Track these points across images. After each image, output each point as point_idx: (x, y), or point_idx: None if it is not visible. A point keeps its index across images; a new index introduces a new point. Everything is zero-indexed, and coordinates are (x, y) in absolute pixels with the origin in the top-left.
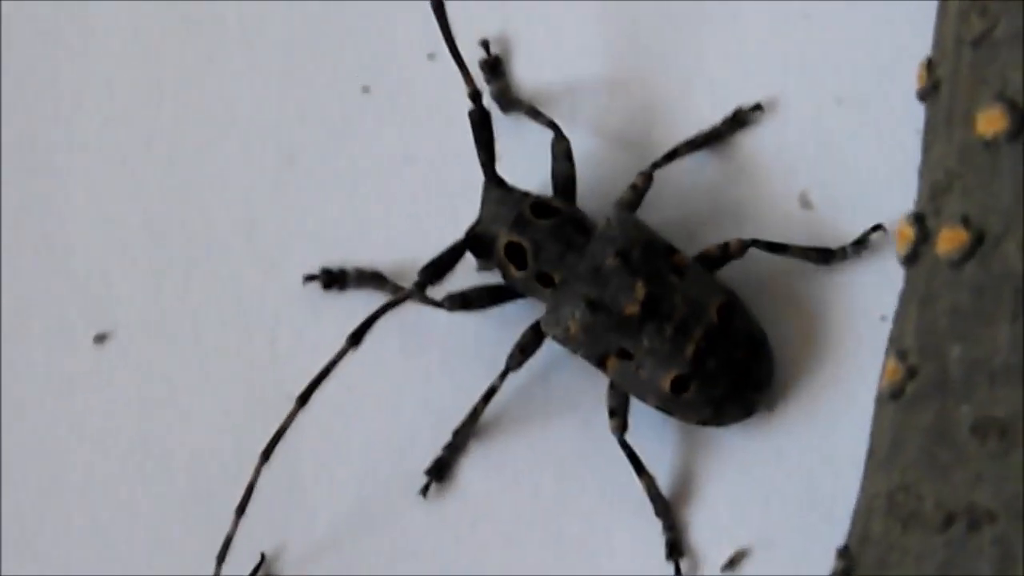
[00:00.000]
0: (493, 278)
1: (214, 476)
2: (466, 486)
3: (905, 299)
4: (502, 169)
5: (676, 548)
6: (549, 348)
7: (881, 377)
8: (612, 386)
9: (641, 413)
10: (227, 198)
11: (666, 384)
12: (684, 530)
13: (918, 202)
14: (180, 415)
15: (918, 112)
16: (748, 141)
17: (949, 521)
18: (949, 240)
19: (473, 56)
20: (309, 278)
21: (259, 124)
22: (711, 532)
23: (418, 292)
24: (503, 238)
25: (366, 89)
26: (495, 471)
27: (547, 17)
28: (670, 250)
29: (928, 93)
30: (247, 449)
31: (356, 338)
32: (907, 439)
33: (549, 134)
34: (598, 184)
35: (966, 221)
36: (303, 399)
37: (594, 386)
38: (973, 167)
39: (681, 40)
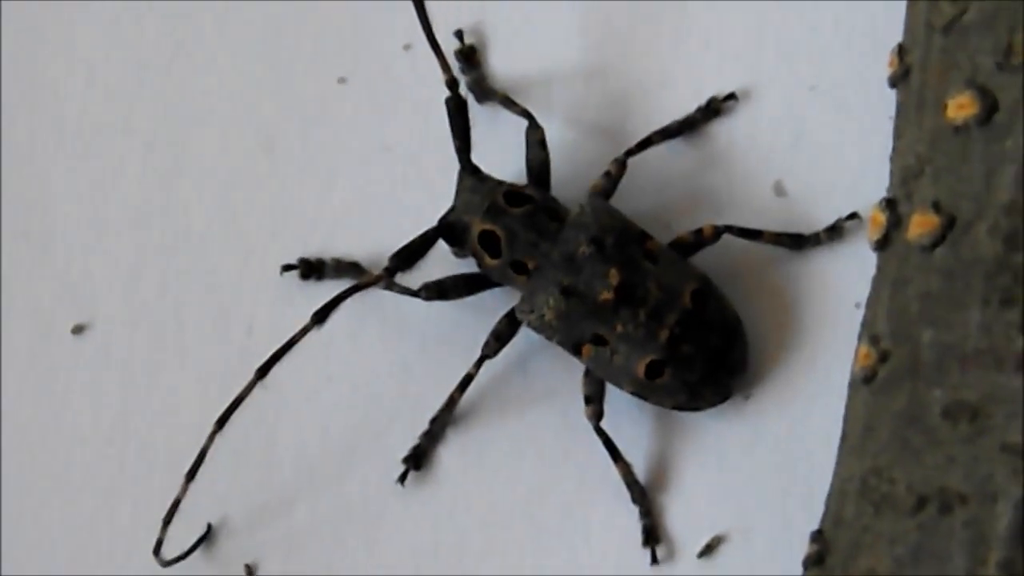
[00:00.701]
0: (469, 267)
1: (192, 461)
2: (444, 474)
3: (877, 284)
4: (477, 158)
5: (653, 534)
6: (525, 335)
7: (854, 362)
8: (587, 373)
9: (617, 399)
10: (205, 188)
11: (641, 369)
12: (660, 516)
13: (890, 188)
14: (158, 403)
15: (890, 99)
16: (722, 130)
17: (921, 504)
18: (920, 225)
19: (448, 47)
20: (287, 268)
21: (237, 114)
22: (688, 518)
23: (387, 277)
24: (477, 226)
25: (343, 79)
26: (473, 459)
27: (521, 7)
28: (644, 237)
29: (899, 79)
30: (223, 437)
31: (320, 316)
32: (880, 423)
33: (524, 123)
34: (573, 172)
35: (937, 206)
36: (262, 371)
37: (570, 373)
38: (944, 152)
39: (656, 30)
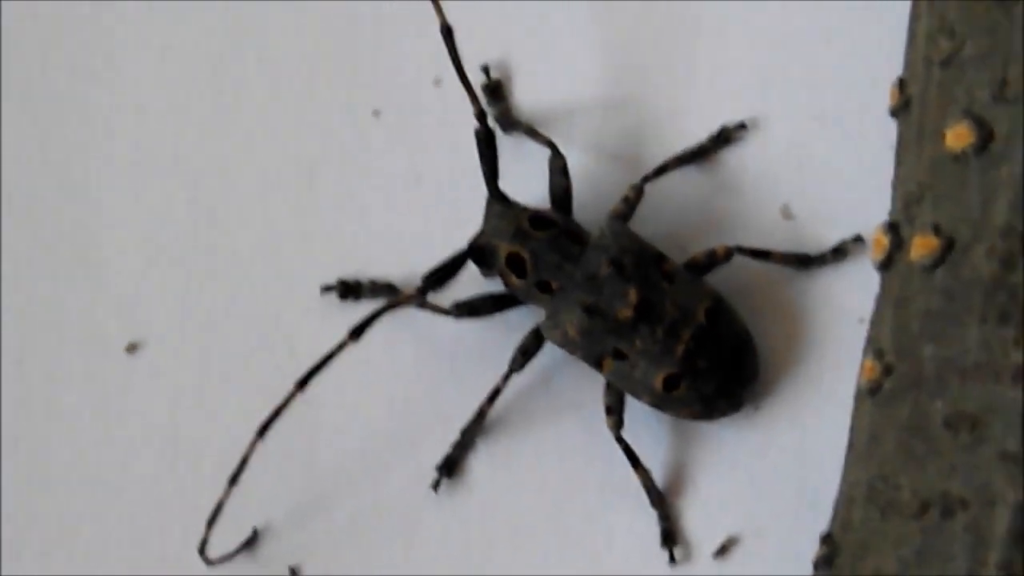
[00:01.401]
0: (496, 286)
1: (241, 477)
2: (474, 480)
3: (881, 302)
4: (504, 185)
5: (670, 536)
6: (549, 351)
7: (860, 375)
8: (608, 385)
9: (636, 410)
10: (249, 216)
11: (658, 383)
12: (678, 519)
13: (892, 212)
14: (206, 418)
15: (891, 128)
16: (733, 157)
17: (924, 508)
18: (922, 247)
19: (475, 81)
20: (326, 289)
21: (279, 146)
22: (703, 521)
23: (419, 297)
24: (504, 249)
25: (377, 113)
26: (501, 466)
27: (544, 44)
28: (660, 258)
29: (900, 110)
30: (268, 448)
31: (356, 332)
32: (885, 433)
33: (547, 152)
34: (593, 197)
35: (937, 229)
36: (302, 384)
37: (592, 386)
38: (943, 179)
39: (670, 64)
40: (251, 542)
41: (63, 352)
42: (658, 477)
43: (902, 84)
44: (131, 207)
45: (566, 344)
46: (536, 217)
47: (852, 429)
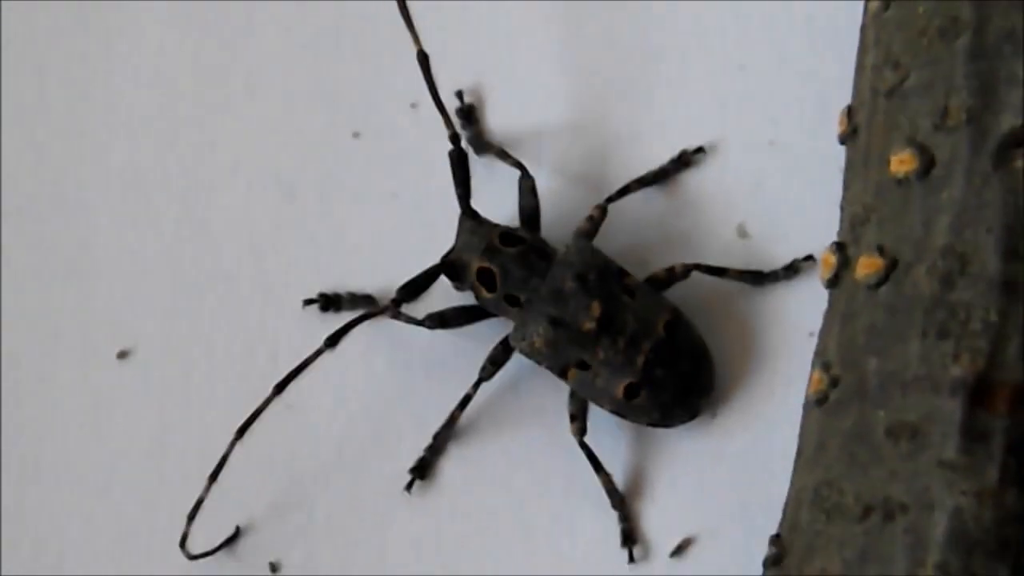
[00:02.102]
0: (468, 299)
1: (224, 478)
2: (446, 483)
3: (829, 318)
4: (475, 203)
5: (630, 536)
6: (517, 360)
7: (808, 386)
8: (572, 394)
9: (598, 417)
10: (234, 230)
11: (620, 391)
12: (637, 520)
13: (840, 232)
14: (192, 421)
15: (840, 154)
16: (692, 179)
17: (867, 512)
18: (867, 266)
19: (450, 105)
20: (308, 302)
21: (264, 165)
22: (661, 522)
23: (394, 308)
24: (475, 264)
25: (356, 134)
26: (471, 469)
27: (515, 71)
28: (622, 273)
29: (848, 137)
30: (252, 451)
31: (332, 340)
32: (830, 440)
33: (517, 173)
34: (560, 216)
35: (881, 250)
36: (279, 388)
37: (557, 394)
38: (887, 202)
39: (634, 91)
40: (233, 539)
41: (58, 357)
42: (619, 481)
43: (850, 112)
44: (123, 221)
45: (533, 354)
46: (506, 234)
47: (800, 437)
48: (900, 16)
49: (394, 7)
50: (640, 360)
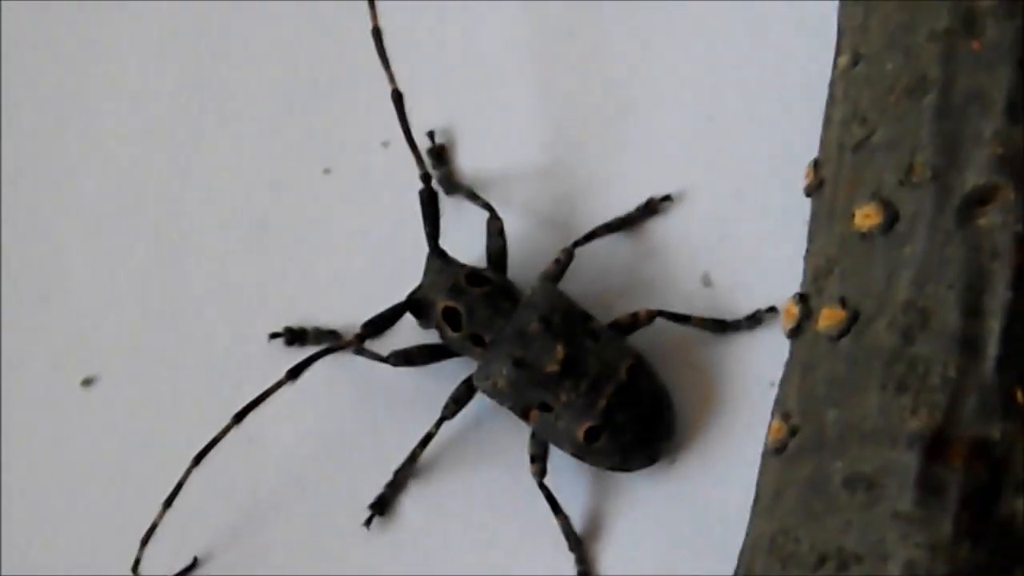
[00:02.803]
0: (432, 338)
1: (184, 508)
2: (405, 519)
3: (789, 367)
4: (443, 243)
5: None
6: (479, 400)
7: (767, 434)
8: (533, 435)
9: (559, 459)
10: (203, 262)
11: (581, 434)
12: (594, 563)
13: (803, 284)
14: (156, 452)
15: (805, 206)
16: (658, 226)
17: (822, 561)
18: (828, 318)
19: (421, 145)
20: (274, 335)
21: (234, 199)
22: (617, 565)
23: (358, 343)
24: (441, 303)
25: (328, 171)
26: (431, 506)
27: (487, 114)
28: (586, 317)
29: (814, 190)
30: (212, 485)
31: (294, 373)
32: (787, 489)
33: (485, 214)
34: (526, 258)
35: (843, 302)
36: (238, 417)
37: (518, 435)
38: (851, 255)
39: (602, 137)
40: (190, 569)
41: (21, 385)
42: (576, 522)
43: (816, 165)
44: (92, 250)
45: (495, 395)
46: (472, 274)
47: (758, 485)
48: (868, 72)
49: (369, 45)
50: (602, 404)
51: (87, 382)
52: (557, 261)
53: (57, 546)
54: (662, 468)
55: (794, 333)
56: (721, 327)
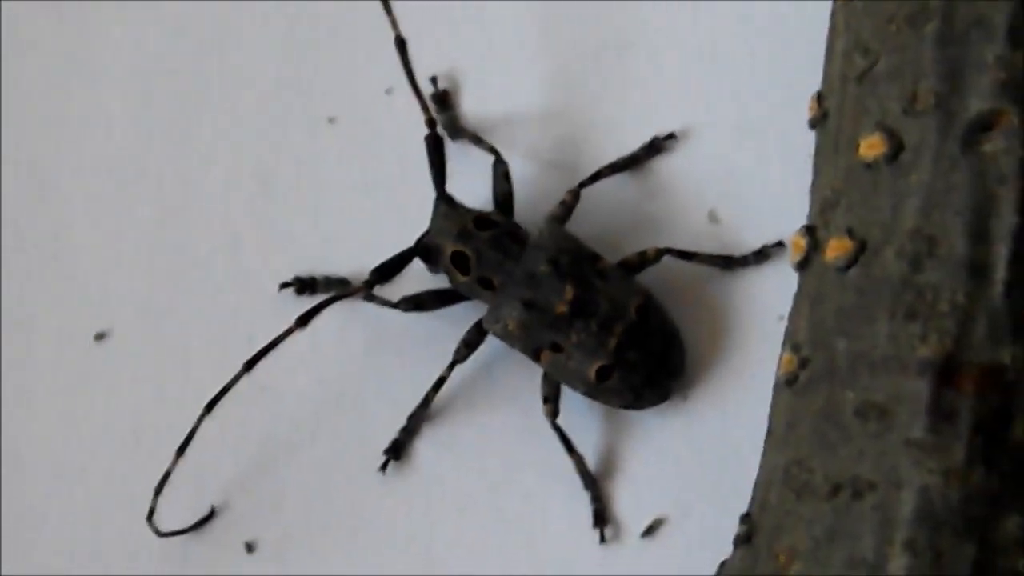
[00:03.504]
0: (442, 283)
1: (200, 460)
2: (419, 464)
3: (798, 300)
4: (450, 188)
5: (601, 517)
6: (491, 343)
7: (778, 367)
8: (545, 376)
9: (571, 399)
10: (211, 216)
11: (592, 373)
12: (608, 501)
13: (810, 216)
14: (169, 405)
15: (809, 139)
16: (663, 165)
17: (836, 491)
18: (836, 249)
19: (425, 91)
20: (284, 285)
21: (240, 150)
22: (632, 503)
23: (366, 289)
24: (449, 248)
25: (332, 119)
26: (445, 450)
27: (490, 58)
28: (595, 257)
29: (818, 122)
30: (227, 435)
31: (304, 320)
32: (800, 421)
33: (491, 158)
34: (533, 201)
35: (851, 232)
36: (249, 365)
37: (530, 376)
38: (857, 186)
39: (606, 78)
40: (208, 519)
41: (33, 340)
42: (590, 462)
43: (820, 98)
44: (101, 206)
45: (506, 337)
46: (480, 218)
47: (770, 417)
48: (870, 3)
49: None
50: (612, 343)
51: (100, 336)
52: (563, 203)
53: (75, 499)
54: (674, 405)
55: (802, 266)
56: (729, 263)
